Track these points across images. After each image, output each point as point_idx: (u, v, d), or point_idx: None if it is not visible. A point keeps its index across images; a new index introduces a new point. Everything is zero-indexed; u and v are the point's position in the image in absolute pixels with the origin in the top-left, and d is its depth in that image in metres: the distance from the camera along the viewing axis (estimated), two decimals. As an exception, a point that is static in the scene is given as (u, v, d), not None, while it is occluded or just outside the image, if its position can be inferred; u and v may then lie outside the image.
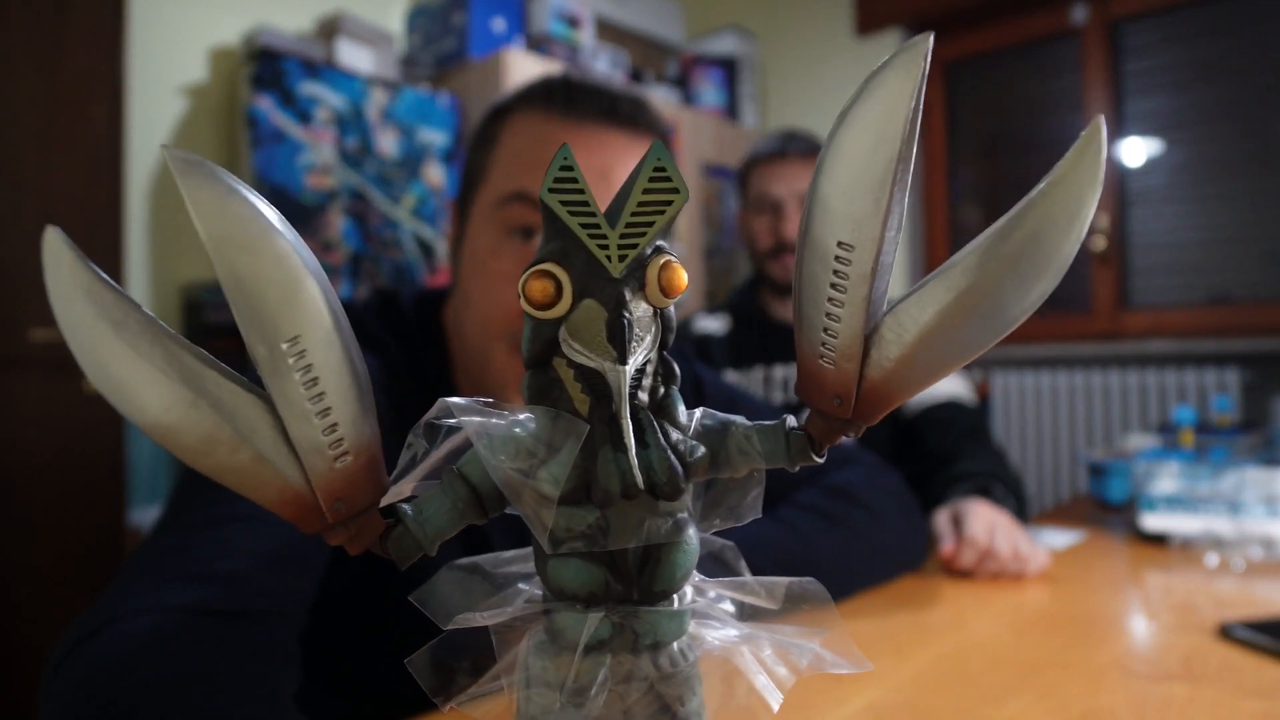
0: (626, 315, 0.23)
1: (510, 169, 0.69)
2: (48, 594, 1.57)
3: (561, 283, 0.23)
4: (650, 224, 0.23)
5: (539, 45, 2.34)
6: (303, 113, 1.99)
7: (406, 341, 0.74)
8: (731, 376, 1.42)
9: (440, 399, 0.24)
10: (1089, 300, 2.54)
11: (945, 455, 1.20)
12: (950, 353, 0.24)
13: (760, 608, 0.27)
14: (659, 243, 0.24)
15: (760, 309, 1.47)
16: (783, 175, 1.41)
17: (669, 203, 0.24)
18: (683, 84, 2.84)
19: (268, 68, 1.94)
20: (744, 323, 1.46)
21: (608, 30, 2.74)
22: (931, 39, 0.22)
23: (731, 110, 2.89)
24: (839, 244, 0.23)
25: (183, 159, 0.20)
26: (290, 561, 0.57)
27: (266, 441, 0.23)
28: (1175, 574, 0.92)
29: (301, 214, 1.98)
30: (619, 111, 0.69)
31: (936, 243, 2.84)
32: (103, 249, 1.66)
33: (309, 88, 2.01)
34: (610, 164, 0.67)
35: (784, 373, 1.42)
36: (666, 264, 0.24)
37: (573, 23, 2.41)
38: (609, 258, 0.23)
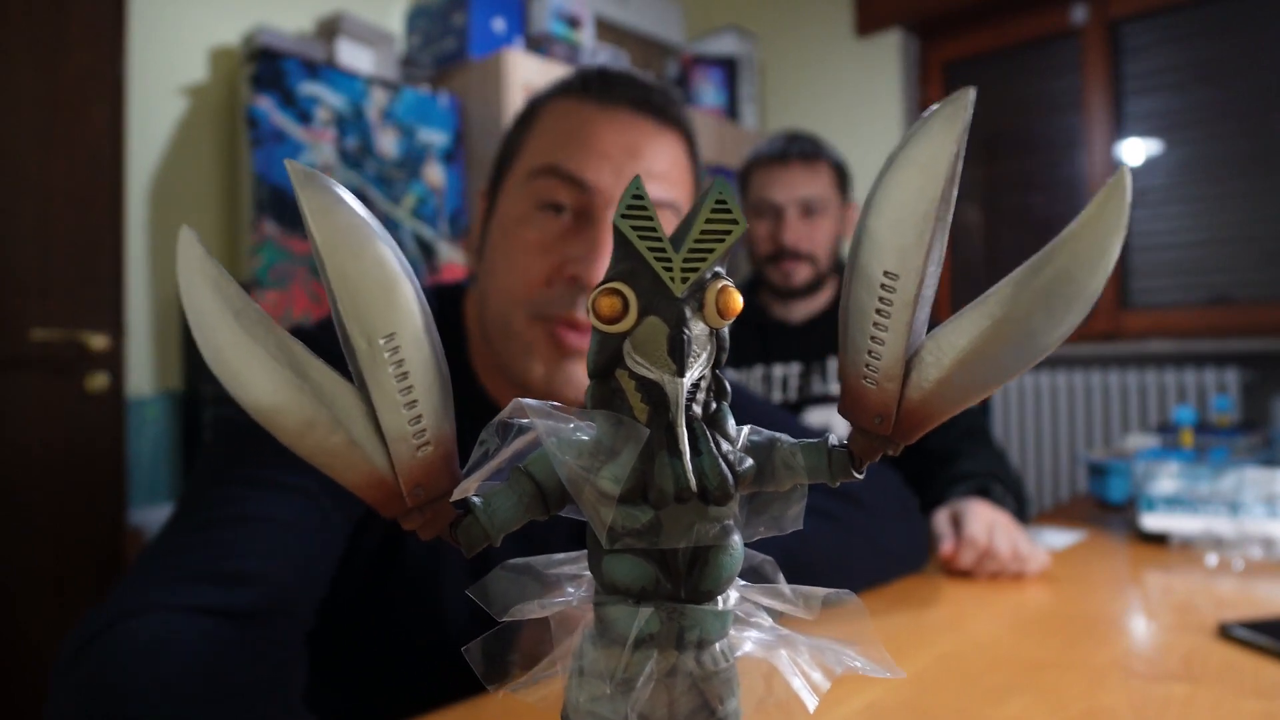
0: (686, 332, 0.25)
1: (543, 145, 0.70)
2: (48, 594, 1.57)
3: (628, 300, 0.26)
4: (711, 250, 0.26)
5: (539, 45, 2.34)
6: (303, 113, 1.99)
7: None
8: (731, 375, 1.42)
9: (514, 399, 0.26)
10: (1089, 300, 2.54)
11: (945, 455, 1.20)
12: (985, 377, 0.26)
13: (796, 616, 0.29)
14: (717, 268, 0.26)
15: (760, 309, 1.47)
16: (784, 180, 1.41)
17: (729, 232, 0.26)
18: (683, 84, 2.84)
19: (268, 68, 1.94)
20: (744, 322, 1.46)
21: (608, 30, 2.74)
22: (973, 94, 0.24)
23: (731, 110, 2.89)
24: (885, 273, 0.26)
25: (301, 171, 0.23)
26: (299, 563, 0.58)
27: (359, 427, 0.25)
28: (1175, 574, 0.92)
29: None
30: (651, 101, 0.71)
31: (936, 243, 2.84)
32: (103, 249, 1.66)
33: (309, 88, 2.01)
34: (639, 143, 0.69)
35: (783, 371, 1.42)
36: (724, 289, 0.26)
37: (573, 23, 2.41)
38: (672, 279, 0.25)
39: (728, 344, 0.28)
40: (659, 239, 0.25)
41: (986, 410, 2.60)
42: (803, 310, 1.45)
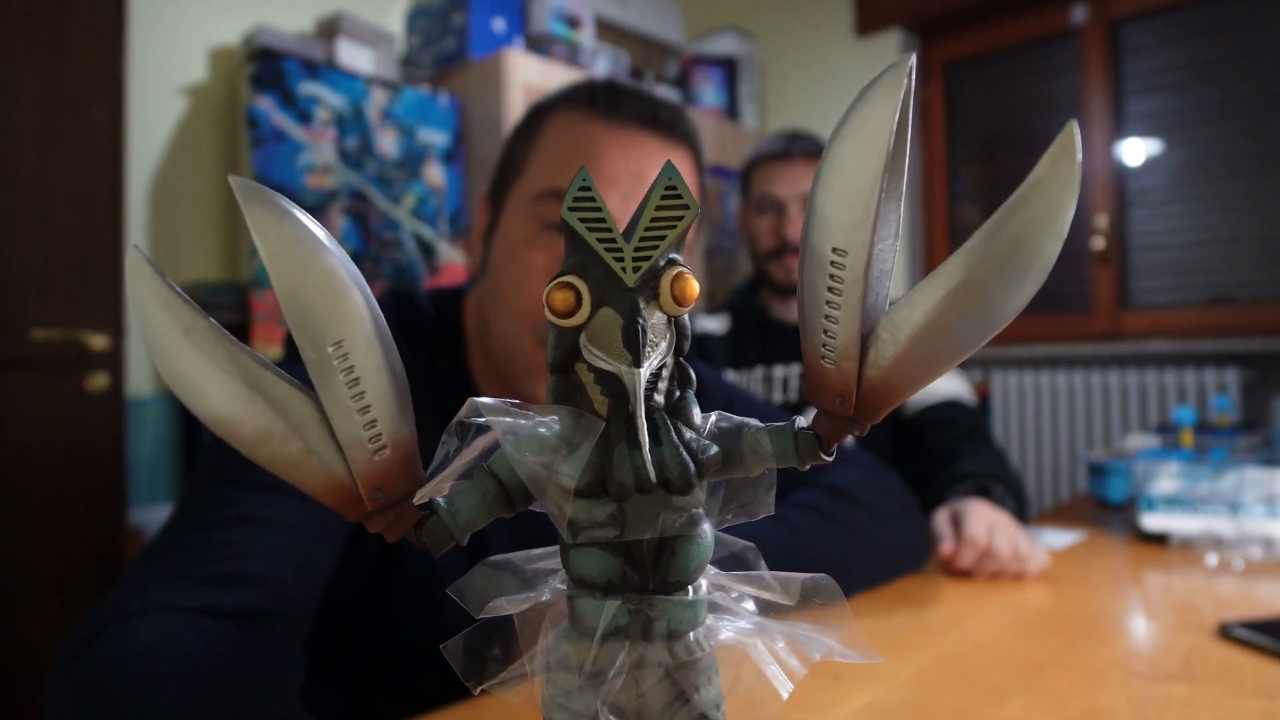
0: (640, 321, 0.25)
1: (549, 166, 0.70)
2: (48, 594, 1.57)
3: (581, 293, 0.26)
4: (662, 237, 0.26)
5: (539, 45, 2.34)
6: (303, 113, 1.99)
7: (422, 340, 0.74)
8: (731, 376, 1.42)
9: (470, 399, 0.26)
10: (1089, 300, 2.54)
11: (945, 455, 1.20)
12: (943, 351, 0.25)
13: (775, 603, 0.29)
14: (672, 255, 0.26)
15: (760, 309, 1.47)
16: (786, 176, 1.41)
17: (679, 218, 0.26)
18: (683, 84, 2.84)
19: (268, 68, 1.94)
20: (744, 323, 1.46)
21: (608, 30, 2.74)
22: (914, 58, 0.24)
23: (731, 110, 2.89)
24: (834, 249, 0.25)
25: (244, 185, 0.23)
26: (298, 564, 0.58)
27: (314, 435, 0.25)
28: (1175, 574, 0.92)
29: (301, 214, 1.98)
30: (659, 118, 0.71)
31: (936, 242, 2.84)
32: (103, 249, 1.66)
33: (309, 88, 2.01)
34: (647, 166, 0.69)
35: (783, 372, 1.42)
36: (679, 275, 0.26)
37: (573, 23, 2.41)
38: (624, 269, 0.25)
39: (689, 331, 0.27)
40: (608, 230, 0.26)
41: (986, 410, 2.60)
42: (803, 310, 1.45)
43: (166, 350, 0.25)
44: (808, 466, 0.28)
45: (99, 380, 1.63)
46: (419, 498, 0.26)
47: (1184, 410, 1.33)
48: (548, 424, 0.26)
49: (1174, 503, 1.05)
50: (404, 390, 0.26)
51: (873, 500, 0.86)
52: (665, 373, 0.27)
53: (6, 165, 1.55)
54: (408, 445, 0.27)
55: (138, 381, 1.89)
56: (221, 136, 2.06)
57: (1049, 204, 0.24)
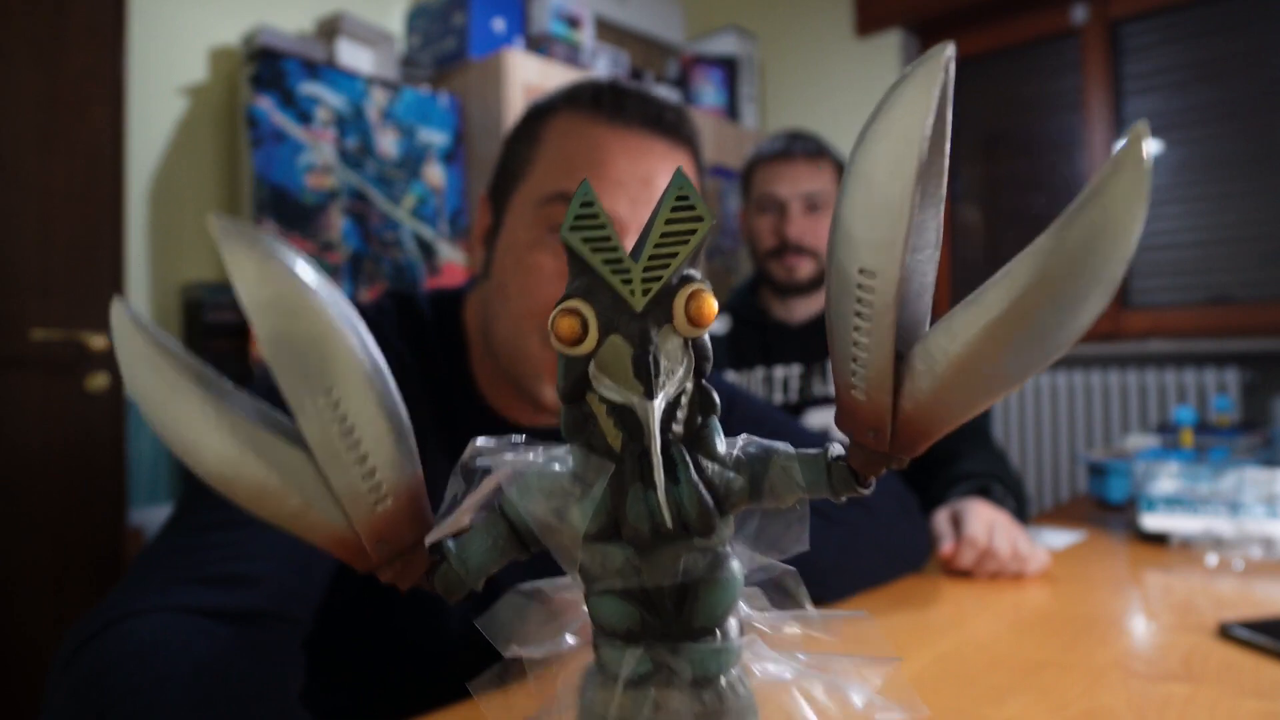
0: (652, 349, 0.23)
1: (555, 169, 0.69)
2: (48, 594, 1.57)
3: (587, 319, 0.24)
4: (674, 254, 0.23)
5: (539, 45, 2.34)
6: (303, 113, 1.99)
7: (422, 342, 0.74)
8: (731, 377, 1.42)
9: (472, 440, 0.24)
10: (1089, 300, 2.54)
11: (945, 455, 1.20)
12: (992, 382, 0.23)
13: (815, 637, 0.27)
14: (687, 271, 0.24)
15: (761, 309, 1.47)
16: (787, 175, 1.41)
17: (693, 231, 0.23)
18: (683, 84, 2.84)
19: (268, 68, 1.94)
20: (744, 323, 1.46)
21: (608, 30, 2.74)
22: (952, 48, 0.21)
23: (731, 110, 2.89)
24: (860, 270, 0.22)
25: (223, 227, 0.22)
26: (299, 565, 0.58)
27: (311, 490, 0.24)
28: (1175, 574, 0.92)
29: (301, 214, 1.98)
30: (663, 120, 0.70)
31: (936, 243, 2.84)
32: (103, 249, 1.66)
33: (309, 88, 2.00)
34: (654, 170, 0.68)
35: (784, 373, 1.42)
36: (694, 293, 0.24)
37: (573, 23, 2.41)
38: (631, 292, 0.23)
39: (710, 352, 0.25)
40: (614, 249, 0.23)
41: (986, 410, 2.60)
42: (803, 310, 1.45)
43: (156, 413, 0.24)
44: (843, 499, 0.26)
45: (99, 380, 1.63)
46: (427, 541, 0.25)
47: (1184, 410, 1.33)
48: (559, 458, 0.25)
49: (1174, 503, 1.05)
50: (404, 432, 0.25)
51: (873, 500, 0.86)
52: (684, 399, 0.25)
53: (6, 165, 1.55)
54: (412, 491, 0.25)
55: (138, 381, 1.88)
56: (221, 136, 2.06)
57: (1114, 216, 0.20)
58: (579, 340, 0.24)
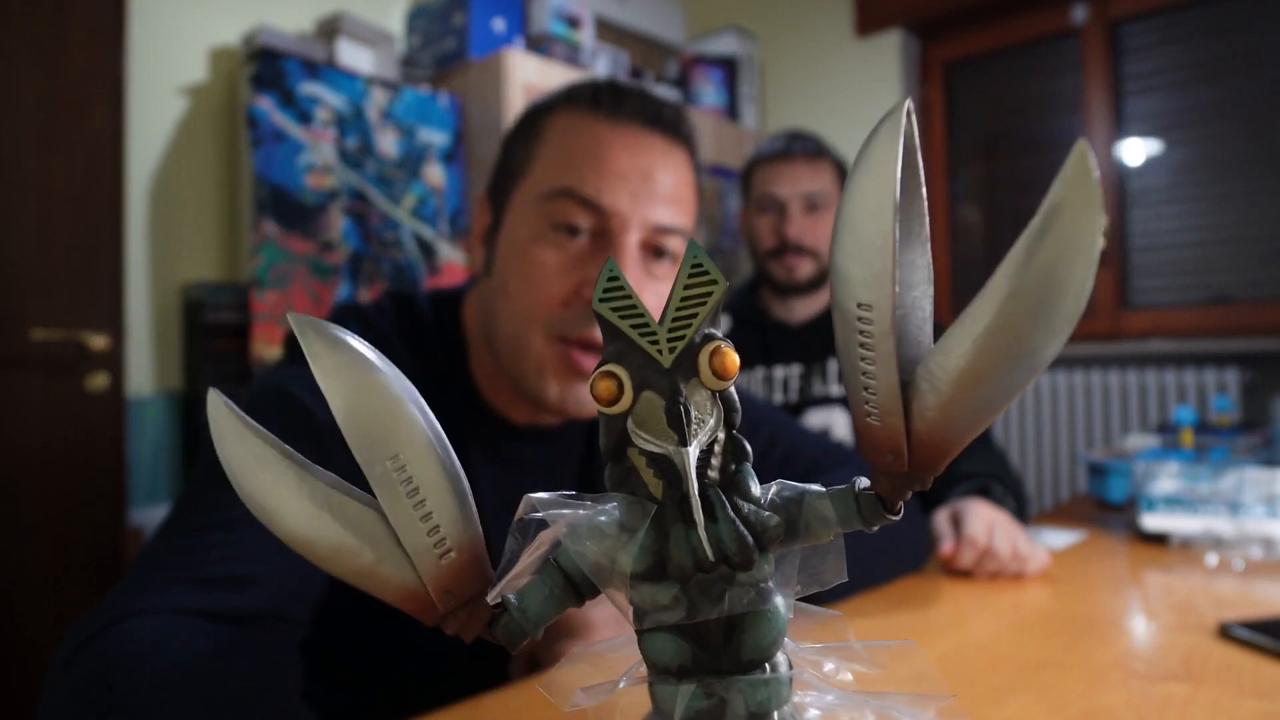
0: (682, 400, 0.26)
1: (556, 165, 0.70)
2: (48, 594, 1.57)
3: (622, 380, 0.26)
4: (695, 314, 0.26)
5: (539, 45, 2.34)
6: (303, 113, 1.99)
7: (422, 342, 0.74)
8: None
9: (526, 495, 0.26)
10: (1089, 300, 2.54)
11: (945, 455, 1.20)
12: (991, 396, 0.24)
13: (861, 671, 0.28)
14: (708, 330, 0.26)
15: (761, 309, 1.47)
16: (787, 175, 1.41)
17: (709, 294, 0.26)
18: (683, 84, 2.84)
19: (268, 68, 1.94)
20: (744, 323, 1.46)
21: (608, 30, 2.74)
22: (909, 103, 0.24)
23: (731, 110, 2.89)
24: (859, 304, 0.25)
25: (297, 319, 0.26)
26: (297, 566, 0.57)
27: (383, 547, 0.27)
28: (1175, 574, 0.92)
29: (301, 214, 1.98)
30: (662, 117, 0.71)
31: (936, 243, 2.84)
32: (103, 249, 1.66)
33: (309, 88, 2.00)
34: (653, 166, 0.69)
35: (784, 373, 1.42)
36: (716, 349, 0.26)
37: (573, 23, 2.41)
38: (659, 351, 0.26)
39: (738, 404, 0.27)
40: (640, 315, 0.26)
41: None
42: (803, 310, 1.45)
43: (246, 481, 0.27)
44: (876, 527, 0.27)
45: (99, 380, 1.63)
46: (491, 597, 0.27)
47: (1184, 410, 1.33)
48: (607, 511, 0.27)
49: (1174, 503, 1.05)
50: (464, 494, 0.27)
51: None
52: (717, 448, 0.27)
53: (6, 165, 1.55)
54: (474, 546, 0.27)
55: (138, 381, 1.89)
56: (221, 136, 2.06)
57: (1072, 231, 0.22)
58: (616, 399, 0.26)
